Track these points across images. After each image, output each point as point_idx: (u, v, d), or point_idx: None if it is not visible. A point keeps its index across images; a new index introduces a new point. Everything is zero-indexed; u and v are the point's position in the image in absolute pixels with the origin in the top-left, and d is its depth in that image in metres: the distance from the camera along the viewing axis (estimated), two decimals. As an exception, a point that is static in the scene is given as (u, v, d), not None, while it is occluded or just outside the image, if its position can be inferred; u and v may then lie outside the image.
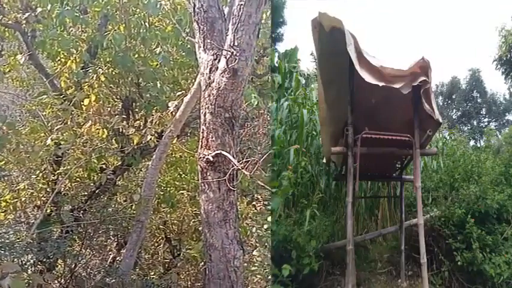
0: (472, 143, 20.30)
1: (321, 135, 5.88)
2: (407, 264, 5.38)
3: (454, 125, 20.86)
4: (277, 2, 15.08)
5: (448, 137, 9.83)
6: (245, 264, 4.72)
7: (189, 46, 5.39)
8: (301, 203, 5.46)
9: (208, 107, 3.82)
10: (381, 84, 3.82)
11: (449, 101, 29.10)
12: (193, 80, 5.03)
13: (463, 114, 28.37)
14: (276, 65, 8.01)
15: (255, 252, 5.69)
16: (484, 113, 28.29)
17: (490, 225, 5.17)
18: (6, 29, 5.00)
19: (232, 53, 3.61)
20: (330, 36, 4.11)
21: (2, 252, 3.10)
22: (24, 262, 4.01)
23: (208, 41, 3.88)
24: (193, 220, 6.06)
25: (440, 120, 4.11)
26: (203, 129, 3.91)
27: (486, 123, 27.84)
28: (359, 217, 6.45)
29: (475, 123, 28.19)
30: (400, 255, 5.29)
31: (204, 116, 3.87)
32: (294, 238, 4.37)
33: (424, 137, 4.35)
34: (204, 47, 3.92)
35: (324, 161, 6.19)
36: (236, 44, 3.62)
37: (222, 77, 3.70)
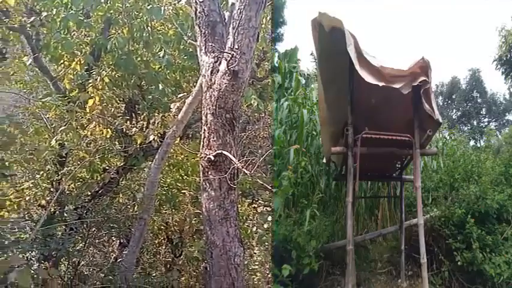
0: (472, 143, 20.31)
1: (321, 135, 5.89)
2: (407, 264, 5.39)
3: (454, 125, 20.83)
4: (277, 2, 15.08)
5: (448, 137, 9.84)
6: (245, 262, 4.73)
7: (191, 50, 5.46)
8: (301, 203, 5.47)
9: (209, 108, 3.87)
10: (380, 84, 3.83)
11: (449, 101, 29.11)
12: (195, 83, 5.11)
13: (463, 114, 28.37)
14: (276, 65, 8.04)
15: (255, 251, 5.74)
16: (484, 113, 28.29)
17: (490, 225, 5.18)
18: (11, 32, 5.07)
19: (233, 55, 3.66)
20: (330, 36, 4.12)
21: (8, 248, 3.14)
22: (29, 258, 4.08)
23: (210, 44, 3.94)
24: (194, 219, 6.10)
25: (440, 120, 4.12)
26: (205, 130, 3.96)
27: (486, 123, 27.84)
28: (359, 217, 6.46)
29: (475, 123, 28.17)
30: (400, 255, 5.30)
31: (206, 116, 3.93)
32: (294, 238, 4.38)
33: (424, 137, 4.36)
34: (205, 50, 3.98)
35: (324, 161, 6.20)
36: (236, 46, 3.68)
37: (223, 79, 3.75)
